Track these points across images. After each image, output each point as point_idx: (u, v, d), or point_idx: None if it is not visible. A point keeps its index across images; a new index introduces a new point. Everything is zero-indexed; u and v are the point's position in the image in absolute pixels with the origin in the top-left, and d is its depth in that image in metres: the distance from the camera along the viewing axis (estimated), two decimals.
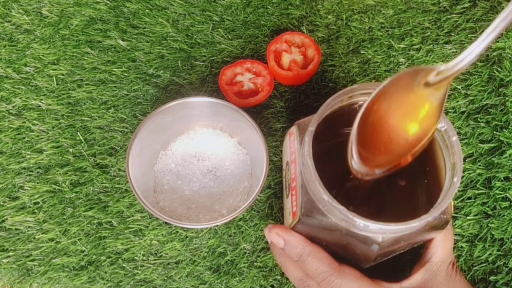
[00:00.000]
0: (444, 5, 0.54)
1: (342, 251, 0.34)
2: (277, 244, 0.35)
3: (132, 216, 0.47)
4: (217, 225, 0.46)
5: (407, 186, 0.36)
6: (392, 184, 0.36)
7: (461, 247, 0.43)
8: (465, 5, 0.54)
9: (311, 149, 0.31)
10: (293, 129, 0.37)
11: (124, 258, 0.45)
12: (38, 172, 0.49)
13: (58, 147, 0.50)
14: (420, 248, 0.40)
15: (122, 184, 0.48)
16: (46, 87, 0.53)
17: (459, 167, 0.30)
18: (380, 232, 0.30)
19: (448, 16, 0.53)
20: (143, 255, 0.45)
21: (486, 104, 0.48)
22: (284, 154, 0.41)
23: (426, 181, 0.34)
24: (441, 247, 0.35)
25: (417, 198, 0.35)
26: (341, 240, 0.33)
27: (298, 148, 0.35)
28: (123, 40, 0.55)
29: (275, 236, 0.35)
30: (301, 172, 0.33)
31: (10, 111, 0.52)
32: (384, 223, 0.28)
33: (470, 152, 0.46)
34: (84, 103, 0.53)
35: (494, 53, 0.49)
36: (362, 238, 0.31)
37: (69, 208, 0.47)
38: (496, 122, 0.46)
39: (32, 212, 0.48)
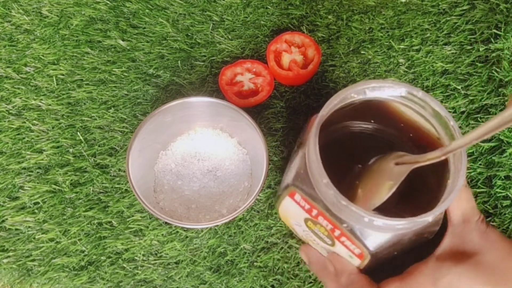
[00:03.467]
0: (443, 7, 0.54)
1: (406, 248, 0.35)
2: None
3: (132, 216, 0.47)
4: (217, 225, 0.46)
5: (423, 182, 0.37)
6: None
7: None
8: (464, 7, 0.54)
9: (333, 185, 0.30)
10: (296, 191, 0.36)
11: (124, 258, 0.45)
12: (38, 172, 0.49)
13: (58, 147, 0.50)
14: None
15: (122, 184, 0.48)
16: (46, 87, 0.53)
17: (462, 172, 0.30)
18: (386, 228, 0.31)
19: (448, 18, 0.53)
20: (143, 255, 0.45)
21: (485, 104, 0.48)
22: (292, 215, 0.39)
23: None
24: (457, 208, 0.36)
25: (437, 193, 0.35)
26: (406, 243, 0.34)
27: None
28: (123, 40, 0.56)
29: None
30: (340, 222, 0.33)
31: (10, 111, 0.52)
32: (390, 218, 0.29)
33: (470, 151, 0.46)
34: (84, 103, 0.53)
35: (493, 54, 0.49)
36: (418, 232, 0.33)
37: (69, 208, 0.47)
38: None
39: (32, 212, 0.47)
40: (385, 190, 0.32)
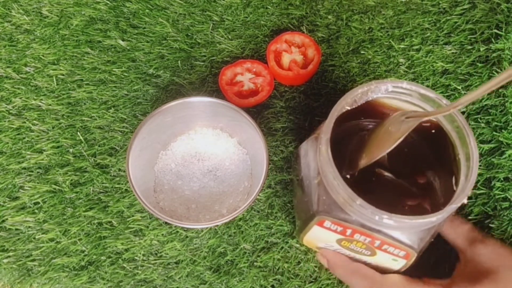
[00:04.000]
0: (444, 7, 0.54)
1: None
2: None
3: (132, 216, 0.47)
4: (217, 225, 0.46)
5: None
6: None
7: None
8: (465, 7, 0.54)
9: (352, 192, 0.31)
10: (324, 219, 0.35)
11: (124, 258, 0.45)
12: (38, 172, 0.49)
13: (58, 147, 0.50)
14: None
15: (122, 184, 0.48)
16: (46, 87, 0.53)
17: (473, 140, 0.32)
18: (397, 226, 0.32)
19: (448, 18, 0.53)
20: (143, 255, 0.45)
21: (486, 105, 0.48)
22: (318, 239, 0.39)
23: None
24: (458, 235, 0.39)
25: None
26: (440, 227, 0.35)
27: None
28: (123, 40, 0.56)
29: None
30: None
31: (10, 111, 0.52)
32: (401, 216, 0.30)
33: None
34: (84, 103, 0.53)
35: (494, 54, 0.49)
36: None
37: (69, 208, 0.47)
38: (496, 123, 0.46)
39: (32, 212, 0.48)
40: (391, 141, 0.34)
